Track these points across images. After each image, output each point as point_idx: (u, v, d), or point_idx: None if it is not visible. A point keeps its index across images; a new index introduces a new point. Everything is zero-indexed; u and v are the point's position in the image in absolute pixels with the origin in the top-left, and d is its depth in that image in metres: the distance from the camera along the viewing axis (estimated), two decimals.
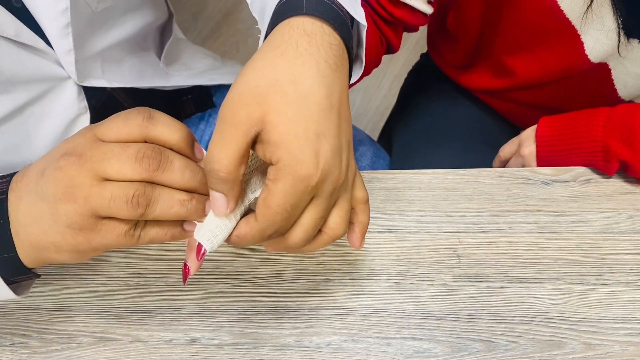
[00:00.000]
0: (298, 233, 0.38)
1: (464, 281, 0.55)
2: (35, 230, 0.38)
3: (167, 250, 0.59)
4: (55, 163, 0.37)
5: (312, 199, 0.37)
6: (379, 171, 0.63)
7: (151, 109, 0.38)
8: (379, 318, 0.54)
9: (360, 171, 0.63)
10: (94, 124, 0.38)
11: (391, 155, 0.91)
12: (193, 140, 0.39)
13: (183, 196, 0.38)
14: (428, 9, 0.66)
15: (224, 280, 0.57)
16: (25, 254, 0.40)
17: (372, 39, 0.66)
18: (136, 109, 0.38)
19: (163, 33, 0.82)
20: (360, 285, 0.56)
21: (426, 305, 0.54)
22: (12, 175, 0.41)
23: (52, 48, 0.59)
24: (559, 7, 0.62)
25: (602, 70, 0.67)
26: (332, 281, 0.56)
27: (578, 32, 0.63)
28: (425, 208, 0.60)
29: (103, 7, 0.62)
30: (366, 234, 0.58)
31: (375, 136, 1.40)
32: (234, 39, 1.91)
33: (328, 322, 0.54)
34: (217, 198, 0.37)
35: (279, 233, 0.38)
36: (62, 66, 0.61)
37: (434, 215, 0.59)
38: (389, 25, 0.67)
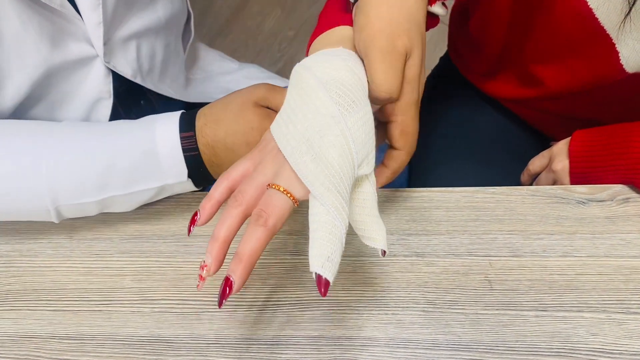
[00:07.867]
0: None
1: (497, 309, 0.52)
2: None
3: (183, 274, 0.56)
4: (242, 148, 0.51)
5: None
6: (403, 189, 0.60)
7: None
8: (407, 349, 0.51)
9: (383, 189, 0.60)
10: (264, 107, 0.53)
11: (411, 164, 0.87)
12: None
13: None
14: (441, 11, 0.63)
15: (242, 308, 0.54)
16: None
17: None
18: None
19: (184, 33, 0.82)
20: (387, 314, 0.53)
21: (457, 336, 0.51)
22: (191, 127, 0.53)
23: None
24: (594, 15, 0.58)
25: (638, 79, 0.64)
26: (356, 309, 0.53)
27: (613, 41, 0.60)
28: (453, 229, 0.57)
29: None
30: (391, 258, 0.55)
31: None
32: (243, 37, 1.88)
33: (353, 354, 0.51)
34: None
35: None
36: (92, 45, 0.61)
37: (463, 237, 0.56)
38: None
